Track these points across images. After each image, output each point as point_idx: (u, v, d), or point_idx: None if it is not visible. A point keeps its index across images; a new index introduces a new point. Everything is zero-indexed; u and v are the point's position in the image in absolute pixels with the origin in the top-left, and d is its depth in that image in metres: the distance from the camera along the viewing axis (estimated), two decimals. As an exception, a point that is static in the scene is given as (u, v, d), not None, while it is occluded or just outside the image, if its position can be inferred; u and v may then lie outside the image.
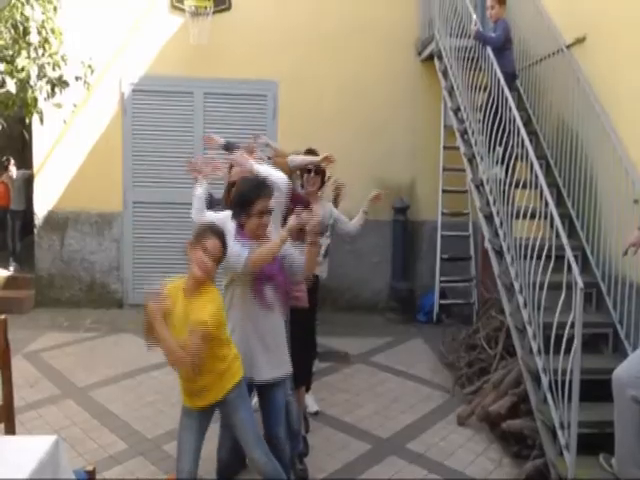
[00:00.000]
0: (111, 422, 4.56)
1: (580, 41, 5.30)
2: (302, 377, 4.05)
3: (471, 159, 5.75)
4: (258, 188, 3.13)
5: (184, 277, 2.93)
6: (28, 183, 8.32)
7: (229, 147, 4.57)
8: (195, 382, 2.89)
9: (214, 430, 3.46)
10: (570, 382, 3.53)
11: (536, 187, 4.48)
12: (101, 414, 4.68)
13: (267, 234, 3.18)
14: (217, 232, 2.91)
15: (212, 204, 3.97)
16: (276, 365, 3.25)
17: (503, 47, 5.45)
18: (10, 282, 7.65)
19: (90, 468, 2.70)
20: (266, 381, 3.22)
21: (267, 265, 3.10)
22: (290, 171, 4.04)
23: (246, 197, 3.12)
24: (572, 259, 3.80)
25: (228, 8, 7.58)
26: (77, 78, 6.23)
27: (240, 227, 3.16)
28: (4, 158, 9.08)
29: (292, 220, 3.02)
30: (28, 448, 2.36)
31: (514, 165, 4.84)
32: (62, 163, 7.50)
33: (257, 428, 3.11)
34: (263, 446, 3.08)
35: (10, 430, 3.17)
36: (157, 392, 5.11)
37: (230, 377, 2.98)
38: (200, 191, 3.73)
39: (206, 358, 2.79)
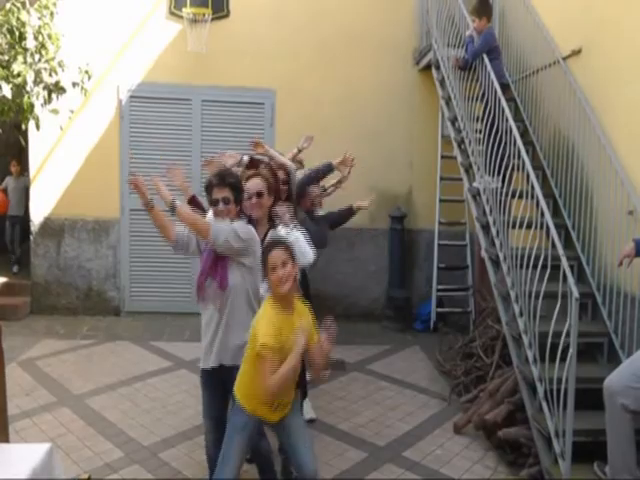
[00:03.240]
0: (107, 430, 4.54)
1: (576, 53, 5.34)
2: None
3: (468, 169, 5.78)
4: (211, 178, 3.32)
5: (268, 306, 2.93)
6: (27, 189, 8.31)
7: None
8: (290, 392, 3.00)
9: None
10: (565, 391, 3.56)
11: (532, 197, 4.50)
12: (97, 422, 4.67)
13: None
14: (276, 244, 2.97)
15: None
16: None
17: (490, 57, 5.48)
18: (6, 289, 7.62)
19: (85, 476, 2.70)
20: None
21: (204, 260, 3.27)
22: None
23: (205, 187, 3.37)
24: (568, 269, 3.83)
25: (226, 16, 7.61)
26: (74, 84, 6.23)
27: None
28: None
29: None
30: (21, 456, 2.36)
31: (511, 175, 4.87)
32: (59, 169, 7.49)
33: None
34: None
35: (4, 438, 3.16)
36: (153, 400, 5.11)
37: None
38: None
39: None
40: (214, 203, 3.28)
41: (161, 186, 3.29)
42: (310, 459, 3.01)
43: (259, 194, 3.47)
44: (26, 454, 2.38)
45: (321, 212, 4.73)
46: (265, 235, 3.49)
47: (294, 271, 2.91)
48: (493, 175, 5.04)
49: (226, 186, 3.27)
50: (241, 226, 3.24)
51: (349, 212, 4.97)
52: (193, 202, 3.98)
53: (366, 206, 5.10)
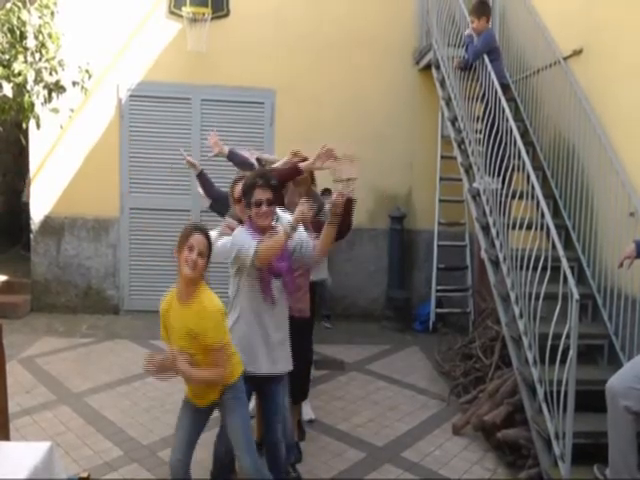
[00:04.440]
0: (106, 428, 4.54)
1: (577, 53, 5.33)
2: (300, 391, 4.08)
3: (468, 169, 5.78)
4: (255, 178, 3.21)
5: (174, 287, 2.99)
6: None
7: (233, 158, 4.61)
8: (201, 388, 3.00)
9: (209, 438, 3.47)
10: (565, 393, 3.56)
11: (533, 198, 4.50)
12: (96, 420, 4.67)
13: (271, 225, 3.20)
14: (200, 228, 2.95)
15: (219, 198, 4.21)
16: (276, 360, 3.27)
17: (490, 58, 5.48)
18: (6, 287, 7.62)
19: (84, 475, 2.69)
20: (265, 374, 3.24)
21: (276, 261, 3.14)
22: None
23: (245, 187, 3.23)
24: (568, 270, 3.83)
25: (226, 15, 7.61)
26: (74, 83, 6.22)
27: (249, 219, 3.24)
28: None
29: (296, 212, 3.05)
30: (22, 455, 2.35)
31: (511, 176, 4.87)
32: (59, 168, 7.49)
33: (250, 434, 3.12)
34: (253, 454, 3.08)
35: (4, 436, 3.17)
36: (152, 399, 5.11)
37: (229, 375, 3.01)
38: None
39: (206, 354, 2.89)
40: (258, 204, 3.15)
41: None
42: (246, 445, 3.08)
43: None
44: (27, 452, 2.37)
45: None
46: None
47: (203, 266, 2.89)
48: (493, 176, 5.04)
49: (269, 187, 3.18)
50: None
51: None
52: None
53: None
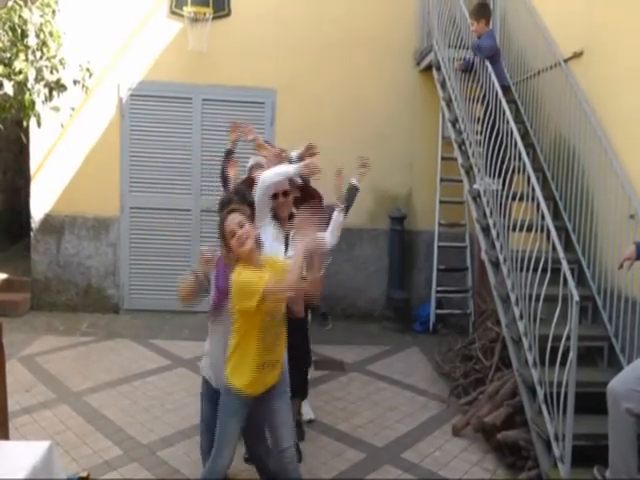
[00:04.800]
0: (106, 427, 4.55)
1: (578, 55, 5.34)
2: (298, 387, 4.06)
3: (468, 170, 5.78)
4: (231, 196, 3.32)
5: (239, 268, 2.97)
6: None
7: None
8: (273, 351, 3.02)
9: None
10: (565, 394, 3.57)
11: (533, 200, 4.51)
12: (96, 419, 4.67)
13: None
14: (228, 210, 3.01)
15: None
16: None
17: (493, 59, 5.49)
18: (6, 285, 7.62)
19: (84, 474, 2.69)
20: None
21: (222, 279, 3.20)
22: None
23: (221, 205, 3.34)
24: (568, 272, 3.84)
25: (227, 15, 7.60)
26: (75, 82, 6.22)
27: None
28: None
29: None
30: (21, 454, 2.36)
31: (511, 177, 4.87)
32: (59, 167, 7.49)
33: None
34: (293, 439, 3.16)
35: (4, 435, 3.17)
36: (152, 398, 5.11)
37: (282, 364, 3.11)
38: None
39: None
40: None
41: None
42: (289, 435, 3.12)
43: (285, 193, 3.50)
44: (26, 452, 2.38)
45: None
46: (288, 235, 3.58)
47: (253, 230, 2.96)
48: (494, 177, 5.04)
49: (246, 204, 3.22)
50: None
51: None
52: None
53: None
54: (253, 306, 2.80)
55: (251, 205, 3.30)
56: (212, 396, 3.38)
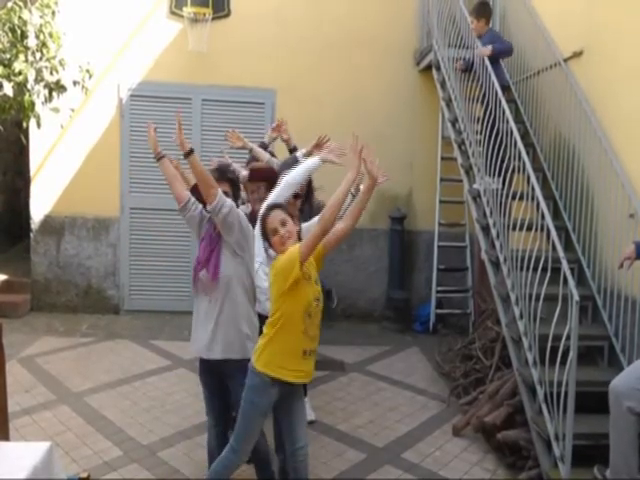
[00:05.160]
0: (106, 428, 4.54)
1: (577, 55, 5.34)
2: None
3: (468, 170, 5.78)
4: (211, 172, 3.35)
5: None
6: None
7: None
8: (315, 340, 3.03)
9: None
10: (565, 394, 3.56)
11: (533, 199, 4.51)
12: (96, 420, 4.66)
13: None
14: (271, 206, 3.08)
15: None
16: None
17: (491, 59, 5.48)
18: (6, 286, 7.62)
19: (84, 475, 2.70)
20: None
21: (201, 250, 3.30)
22: None
23: None
24: (568, 272, 3.83)
25: (227, 15, 7.60)
26: (75, 83, 6.23)
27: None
28: None
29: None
30: (22, 455, 2.35)
31: (511, 177, 4.87)
32: (59, 167, 7.48)
33: None
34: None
35: (4, 436, 3.16)
36: (153, 399, 5.10)
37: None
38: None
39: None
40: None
41: (181, 132, 3.25)
42: (304, 434, 3.13)
43: (296, 195, 3.59)
44: (26, 453, 2.37)
45: None
46: None
47: (295, 227, 2.99)
48: (493, 176, 5.04)
49: (226, 180, 3.33)
50: (243, 216, 3.26)
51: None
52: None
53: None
54: (298, 274, 2.84)
55: (231, 181, 3.36)
56: (205, 371, 3.44)
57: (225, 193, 3.25)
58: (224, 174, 3.36)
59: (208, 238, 3.32)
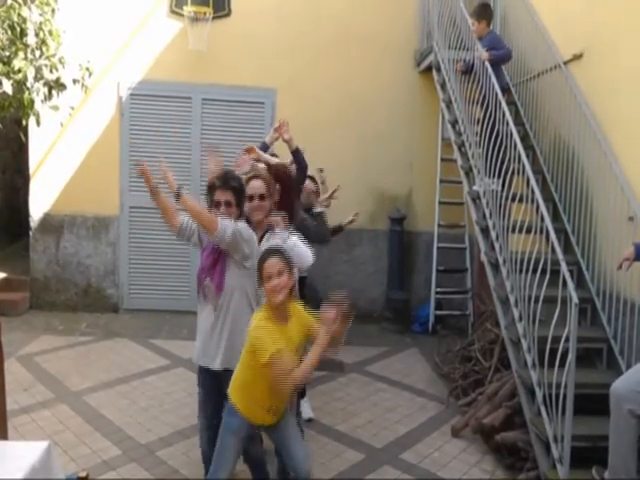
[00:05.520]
0: (105, 427, 4.54)
1: (577, 57, 5.34)
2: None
3: (468, 172, 5.79)
4: (215, 180, 3.35)
5: (263, 314, 2.89)
6: None
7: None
8: (286, 398, 2.97)
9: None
10: (564, 396, 3.57)
11: (532, 201, 4.51)
12: (94, 419, 4.67)
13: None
14: (270, 252, 2.95)
15: None
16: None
17: (493, 62, 5.49)
18: (5, 284, 7.61)
19: (83, 474, 2.69)
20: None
21: (204, 259, 3.28)
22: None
23: (207, 187, 3.42)
24: (567, 274, 3.84)
25: (227, 14, 7.60)
26: (75, 81, 6.22)
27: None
28: None
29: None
30: (20, 454, 2.35)
31: (511, 179, 4.87)
32: (59, 166, 7.48)
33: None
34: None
35: (2, 434, 3.16)
36: (151, 398, 5.11)
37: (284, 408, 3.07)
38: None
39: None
40: (216, 205, 3.29)
41: (168, 174, 3.32)
42: (304, 458, 3.05)
43: (261, 196, 3.48)
44: (25, 452, 2.37)
45: (319, 208, 4.69)
46: (262, 237, 3.50)
47: (290, 281, 2.89)
48: (493, 177, 5.04)
49: (229, 189, 3.29)
50: (244, 227, 3.25)
51: (339, 229, 5.24)
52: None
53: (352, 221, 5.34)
54: (259, 363, 2.77)
55: (234, 189, 3.31)
56: (204, 379, 3.46)
57: (227, 203, 3.25)
58: (227, 182, 3.31)
59: (210, 248, 3.33)
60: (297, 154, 4.18)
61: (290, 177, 4.09)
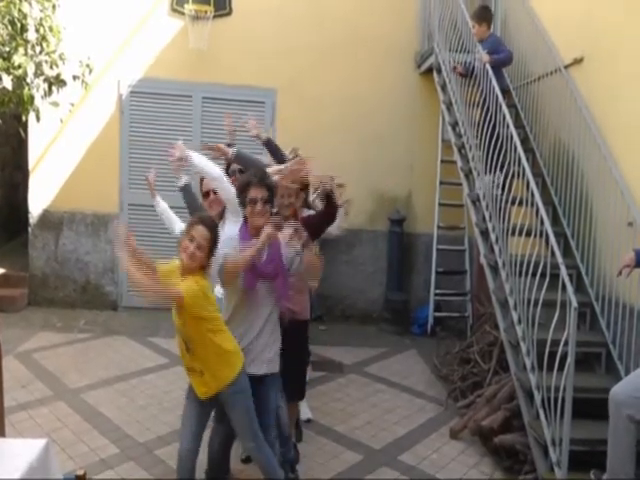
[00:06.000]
0: (103, 425, 4.54)
1: (578, 61, 5.35)
2: (296, 391, 4.06)
3: (468, 174, 5.79)
4: (250, 176, 3.29)
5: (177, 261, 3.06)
6: None
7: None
8: (189, 359, 3.07)
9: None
10: (563, 399, 3.59)
11: (532, 205, 4.52)
12: (93, 417, 4.67)
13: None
14: (205, 221, 3.03)
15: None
16: (263, 361, 3.31)
17: (495, 64, 5.50)
18: (3, 280, 7.60)
19: (80, 472, 2.69)
20: (252, 375, 3.25)
21: (261, 264, 3.19)
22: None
23: (240, 185, 3.31)
24: (567, 278, 3.86)
25: (228, 13, 7.59)
26: (75, 77, 6.20)
27: (245, 222, 3.31)
28: None
29: (265, 231, 3.08)
30: (18, 451, 2.35)
31: (510, 182, 4.88)
32: (58, 162, 7.47)
33: (255, 423, 3.18)
34: (258, 439, 3.18)
35: (0, 432, 3.16)
36: (150, 396, 5.11)
37: (228, 370, 3.09)
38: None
39: (198, 340, 3.00)
40: (253, 202, 3.21)
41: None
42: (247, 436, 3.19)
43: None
44: (23, 449, 2.38)
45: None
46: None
47: (204, 259, 3.00)
48: (494, 173, 5.04)
49: (264, 186, 3.23)
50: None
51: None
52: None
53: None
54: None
55: (269, 187, 3.26)
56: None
57: (264, 199, 3.21)
58: (263, 179, 3.27)
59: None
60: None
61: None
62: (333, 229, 4.21)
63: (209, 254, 3.01)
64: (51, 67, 5.92)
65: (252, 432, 3.17)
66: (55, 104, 5.99)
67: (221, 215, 3.88)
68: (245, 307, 3.25)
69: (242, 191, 3.25)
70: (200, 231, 2.96)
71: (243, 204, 3.27)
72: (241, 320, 3.26)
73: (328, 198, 3.46)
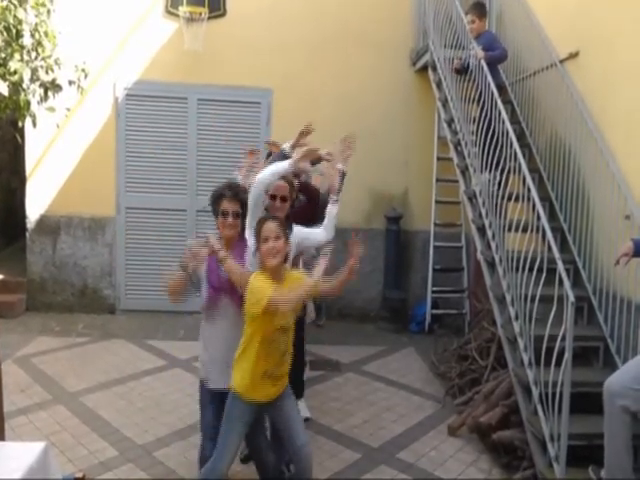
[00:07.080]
0: (101, 428, 4.54)
1: (573, 56, 5.35)
2: (293, 387, 4.05)
3: (464, 171, 5.79)
4: (223, 189, 3.31)
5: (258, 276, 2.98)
6: None
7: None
8: (279, 365, 3.07)
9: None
10: (561, 395, 3.57)
11: (529, 200, 4.51)
12: (91, 420, 4.66)
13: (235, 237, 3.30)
14: (271, 217, 3.10)
15: None
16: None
17: (489, 61, 5.49)
18: (1, 286, 7.59)
19: (80, 475, 2.70)
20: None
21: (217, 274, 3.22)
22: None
23: (213, 196, 3.35)
24: (564, 273, 3.84)
25: (223, 14, 7.59)
26: (71, 82, 6.20)
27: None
28: None
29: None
30: (17, 455, 2.35)
31: (507, 178, 4.87)
32: (55, 167, 7.47)
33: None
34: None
35: (0, 436, 3.16)
36: (148, 399, 5.10)
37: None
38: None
39: (291, 344, 3.08)
40: (224, 214, 3.25)
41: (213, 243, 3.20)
42: (305, 440, 3.13)
43: (283, 198, 3.51)
44: (22, 453, 2.38)
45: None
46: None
47: (286, 247, 3.00)
48: (491, 170, 5.04)
49: (238, 200, 3.27)
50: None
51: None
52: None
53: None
54: (259, 312, 2.84)
55: (243, 203, 3.30)
56: (211, 399, 3.36)
57: (236, 214, 3.25)
58: (237, 193, 3.31)
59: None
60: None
61: (318, 194, 4.12)
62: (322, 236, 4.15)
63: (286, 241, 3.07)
64: (47, 72, 5.91)
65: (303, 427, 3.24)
66: (51, 109, 5.98)
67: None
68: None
69: (214, 202, 3.32)
70: (270, 227, 2.99)
71: (215, 213, 3.32)
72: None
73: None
